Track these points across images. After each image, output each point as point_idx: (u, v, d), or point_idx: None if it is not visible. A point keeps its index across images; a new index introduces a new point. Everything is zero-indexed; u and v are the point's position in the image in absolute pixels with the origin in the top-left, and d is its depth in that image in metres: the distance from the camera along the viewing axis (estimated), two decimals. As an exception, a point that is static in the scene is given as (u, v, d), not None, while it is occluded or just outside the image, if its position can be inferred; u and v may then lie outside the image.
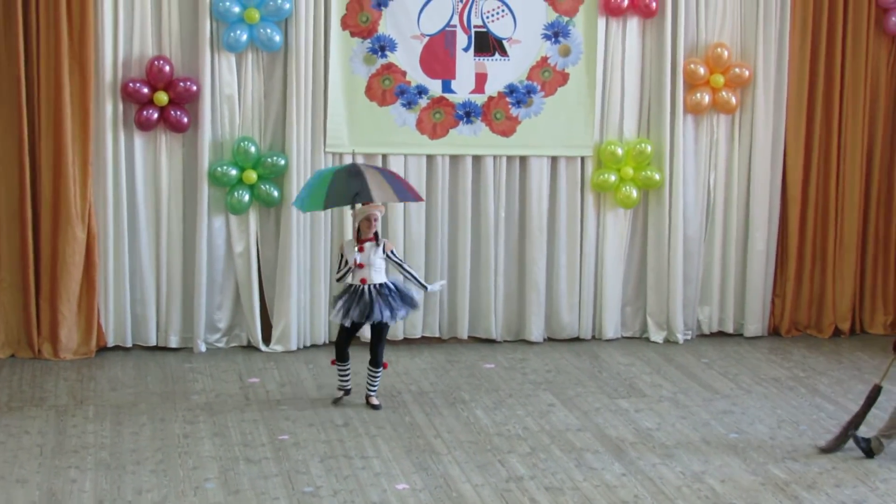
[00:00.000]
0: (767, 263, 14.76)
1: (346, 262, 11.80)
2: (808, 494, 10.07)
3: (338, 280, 12.03)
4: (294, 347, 13.77)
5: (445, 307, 14.20)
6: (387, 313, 11.79)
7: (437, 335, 14.28)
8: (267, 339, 13.82)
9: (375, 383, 12.13)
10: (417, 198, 12.43)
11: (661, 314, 14.63)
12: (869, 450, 10.88)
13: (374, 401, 12.11)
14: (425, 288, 12.26)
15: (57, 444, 10.80)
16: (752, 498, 10.02)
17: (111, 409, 11.78)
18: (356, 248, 11.75)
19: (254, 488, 9.92)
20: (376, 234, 11.86)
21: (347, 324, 11.85)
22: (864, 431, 11.04)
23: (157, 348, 13.69)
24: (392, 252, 11.92)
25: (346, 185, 11.61)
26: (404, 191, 12.02)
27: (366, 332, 12.60)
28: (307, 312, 13.87)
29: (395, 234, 13.86)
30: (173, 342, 13.70)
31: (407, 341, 14.16)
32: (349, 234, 13.47)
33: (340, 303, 11.82)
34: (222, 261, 13.70)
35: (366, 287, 11.77)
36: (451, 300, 14.16)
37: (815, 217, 14.79)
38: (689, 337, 14.69)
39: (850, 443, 11.03)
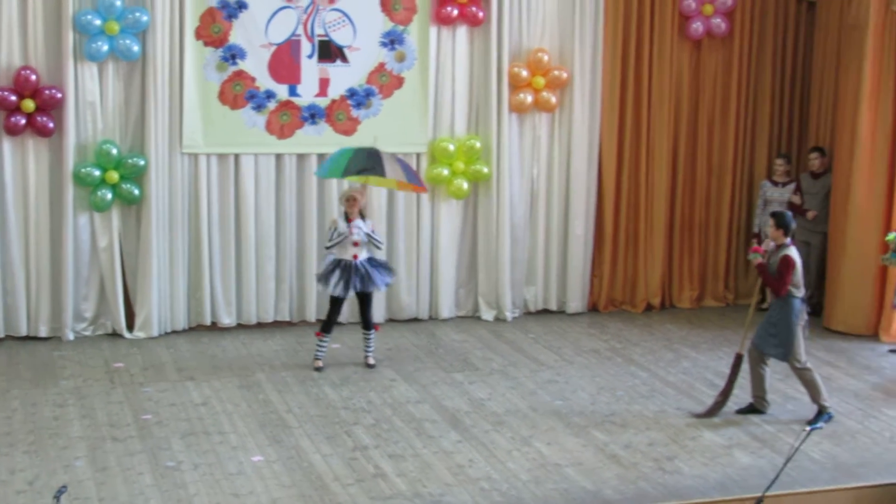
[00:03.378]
0: (586, 247, 14.93)
1: (339, 234, 12.15)
2: (625, 453, 10.31)
3: (327, 248, 12.38)
4: (155, 334, 13.61)
5: (295, 293, 14.17)
6: (381, 281, 12.40)
7: (287, 319, 14.23)
8: (130, 326, 13.66)
9: (371, 345, 12.72)
10: (421, 186, 12.49)
11: (491, 294, 14.70)
12: (756, 411, 11.19)
13: (371, 361, 12.65)
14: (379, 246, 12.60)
15: (-67, 430, 10.68)
16: (576, 458, 10.20)
17: (-17, 395, 11.66)
18: (347, 225, 12.17)
19: (120, 465, 9.87)
20: (361, 213, 12.33)
21: (345, 296, 12.30)
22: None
23: (27, 338, 13.43)
24: (373, 231, 12.37)
25: (365, 158, 11.88)
26: (413, 176, 12.21)
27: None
28: (167, 301, 13.71)
29: (248, 228, 13.81)
30: (43, 332, 13.46)
31: (260, 325, 14.12)
32: (205, 229, 13.66)
33: (335, 278, 12.22)
34: (87, 255, 13.49)
35: (357, 262, 12.19)
36: (299, 287, 14.11)
37: (628, 205, 15.01)
38: (516, 315, 14.76)
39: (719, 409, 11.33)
